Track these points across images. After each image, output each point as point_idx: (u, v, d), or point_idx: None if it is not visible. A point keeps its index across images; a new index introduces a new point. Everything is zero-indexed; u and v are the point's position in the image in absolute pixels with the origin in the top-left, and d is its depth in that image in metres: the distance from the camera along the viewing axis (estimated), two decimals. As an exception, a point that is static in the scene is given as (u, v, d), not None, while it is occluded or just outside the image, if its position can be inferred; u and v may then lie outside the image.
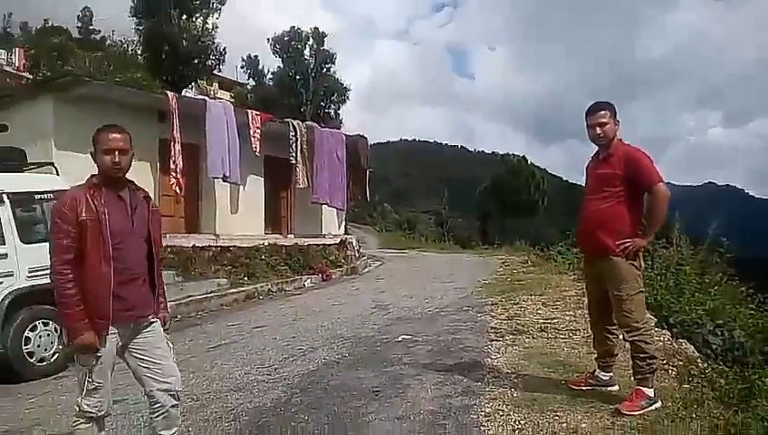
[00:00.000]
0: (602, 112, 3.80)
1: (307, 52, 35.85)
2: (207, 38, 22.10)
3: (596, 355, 4.19)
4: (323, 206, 15.48)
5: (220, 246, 12.54)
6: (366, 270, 15.41)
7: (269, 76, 37.08)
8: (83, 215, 2.95)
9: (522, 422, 3.64)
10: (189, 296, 10.47)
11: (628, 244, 3.68)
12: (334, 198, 15.16)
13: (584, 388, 4.11)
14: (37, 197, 6.58)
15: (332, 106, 36.43)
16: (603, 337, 4.06)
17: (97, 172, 3.11)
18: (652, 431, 3.32)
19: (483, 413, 3.85)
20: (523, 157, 47.26)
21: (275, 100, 32.51)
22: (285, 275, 12.74)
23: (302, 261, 13.58)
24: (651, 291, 6.64)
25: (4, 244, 6.11)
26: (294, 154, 14.16)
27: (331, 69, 36.33)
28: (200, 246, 12.19)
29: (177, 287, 10.72)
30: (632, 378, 3.81)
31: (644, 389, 3.66)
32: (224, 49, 23.29)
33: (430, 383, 4.59)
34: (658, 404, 3.63)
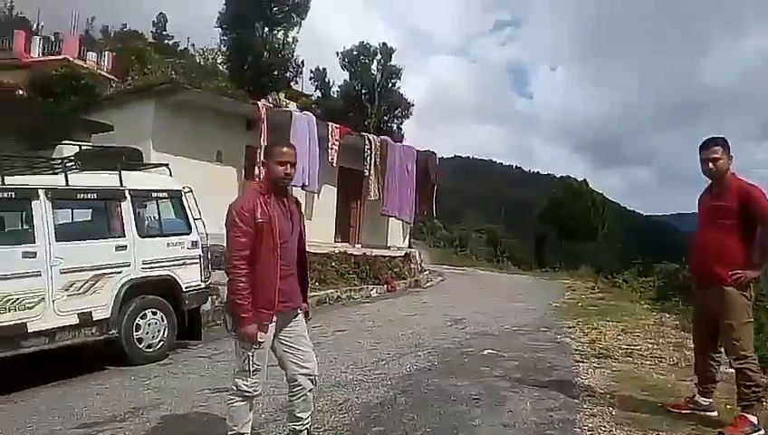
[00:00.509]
0: (716, 148, 3.99)
1: (374, 66, 36.56)
2: (287, 51, 23.05)
3: (697, 381, 4.33)
4: (390, 218, 15.85)
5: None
6: (428, 284, 15.65)
7: (335, 89, 37.98)
8: (259, 217, 3.35)
9: (627, 440, 3.82)
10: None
11: (740, 275, 3.84)
12: (403, 212, 15.52)
13: (684, 411, 4.25)
14: (154, 195, 7.14)
15: (396, 121, 36.95)
16: (707, 364, 4.21)
17: (266, 180, 3.53)
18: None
19: (586, 428, 4.06)
20: (584, 180, 46.61)
21: (340, 112, 33.30)
22: (353, 283, 13.12)
23: (369, 271, 13.92)
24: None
25: (125, 236, 6.66)
26: (368, 167, 14.63)
27: (396, 84, 36.92)
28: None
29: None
30: (737, 405, 3.94)
31: (748, 416, 3.79)
32: (302, 62, 24.30)
33: (527, 396, 4.81)
34: (762, 432, 3.75)
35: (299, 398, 3.54)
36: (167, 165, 7.62)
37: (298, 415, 3.57)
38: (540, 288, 15.44)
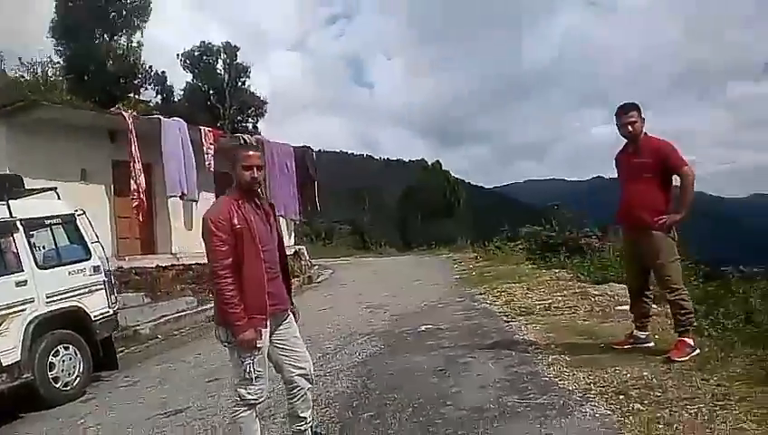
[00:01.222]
0: (633, 113, 4.55)
1: (220, 66, 35.33)
2: (133, 56, 21.37)
3: (633, 318, 4.92)
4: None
5: (183, 265, 12.40)
6: (321, 279, 15.70)
7: (178, 91, 36.09)
8: (237, 224, 3.24)
9: (591, 378, 4.25)
10: (163, 316, 10.39)
11: (664, 219, 4.43)
12: (288, 210, 15.35)
13: (626, 347, 4.81)
14: (47, 222, 6.49)
15: (250, 120, 36.08)
16: (641, 301, 4.80)
17: (236, 187, 3.40)
18: (705, 369, 4.05)
19: (551, 375, 4.44)
20: (437, 161, 49.01)
21: (186, 115, 31.74)
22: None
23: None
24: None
25: (23, 270, 5.99)
26: (246, 168, 14.22)
27: (246, 82, 36.01)
28: (163, 265, 12.04)
29: (150, 308, 10.60)
30: (674, 331, 4.55)
31: (686, 339, 4.41)
32: (149, 67, 22.64)
33: (485, 359, 5.13)
34: (698, 351, 4.38)
35: (298, 398, 3.52)
36: (54, 189, 6.95)
37: (301, 415, 3.56)
38: (428, 265, 16.15)
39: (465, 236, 29.00)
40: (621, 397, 3.80)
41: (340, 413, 4.25)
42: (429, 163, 49.97)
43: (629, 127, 4.56)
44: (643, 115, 4.60)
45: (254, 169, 3.34)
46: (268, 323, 3.34)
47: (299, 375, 3.51)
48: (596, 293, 7.51)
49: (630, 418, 3.46)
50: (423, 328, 6.82)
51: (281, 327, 3.49)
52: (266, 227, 3.43)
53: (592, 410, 3.67)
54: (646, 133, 4.61)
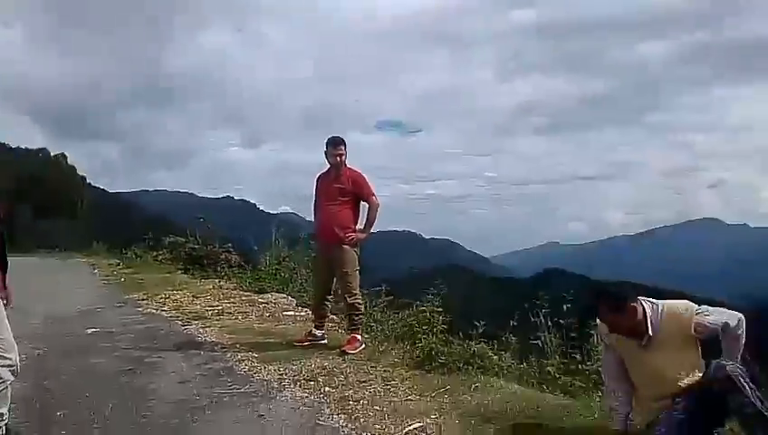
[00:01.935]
0: (341, 147, 5.38)
1: None
2: None
3: (314, 318, 5.67)
4: None
5: None
6: None
7: None
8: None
9: (282, 370, 4.80)
10: None
11: (352, 236, 5.33)
12: None
13: (305, 344, 5.52)
14: None
15: None
16: (322, 304, 5.59)
17: None
18: (373, 359, 5.03)
19: (245, 369, 4.84)
20: (63, 154, 43.53)
21: None
22: None
23: None
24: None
25: None
26: None
27: None
28: None
29: None
30: (347, 329, 5.46)
31: (357, 335, 5.34)
32: None
33: (175, 359, 5.18)
34: (364, 345, 5.37)
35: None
36: None
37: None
38: (62, 269, 14.40)
39: (85, 239, 26.50)
40: (312, 383, 4.46)
41: (27, 413, 3.79)
42: (52, 155, 43.97)
43: (338, 157, 5.37)
44: (347, 149, 5.46)
45: None
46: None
47: (3, 366, 3.11)
48: (262, 301, 8.13)
49: (324, 398, 4.12)
50: (90, 331, 6.32)
51: (-17, 311, 3.05)
52: None
53: (291, 394, 4.23)
54: (346, 164, 5.48)
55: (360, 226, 5.46)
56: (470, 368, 4.59)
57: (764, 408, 2.75)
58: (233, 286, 9.62)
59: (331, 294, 5.62)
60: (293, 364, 4.92)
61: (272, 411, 3.87)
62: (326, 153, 5.43)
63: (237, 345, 5.61)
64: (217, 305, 7.88)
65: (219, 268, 11.52)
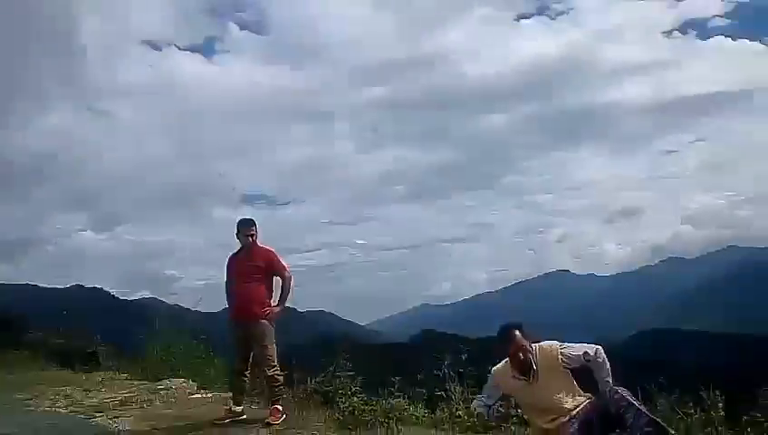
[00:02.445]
0: (252, 227, 5.77)
1: None
2: None
3: (233, 395, 5.85)
4: None
5: None
6: None
7: None
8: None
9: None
10: None
11: (269, 311, 5.68)
12: None
13: (226, 421, 5.68)
14: None
15: None
16: (242, 381, 5.81)
17: None
18: (299, 425, 5.32)
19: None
20: None
21: None
22: None
23: None
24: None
25: None
26: None
27: None
28: None
29: None
30: (269, 400, 5.70)
31: (278, 406, 5.61)
32: None
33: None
34: (285, 414, 5.63)
35: None
36: None
37: None
38: None
39: None
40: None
41: None
42: None
43: (250, 238, 5.75)
44: (258, 229, 5.86)
45: None
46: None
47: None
48: (161, 387, 7.97)
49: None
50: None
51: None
52: None
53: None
54: (256, 242, 5.87)
55: (274, 301, 5.82)
56: (390, 421, 5.07)
57: (653, 416, 3.72)
58: (125, 377, 9.27)
59: (248, 370, 5.86)
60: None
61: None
62: (237, 235, 5.80)
63: (156, 431, 5.61)
64: (117, 396, 7.61)
65: (100, 360, 10.99)
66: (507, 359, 4.02)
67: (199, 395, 7.36)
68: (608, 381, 3.87)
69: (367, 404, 5.33)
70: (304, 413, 5.73)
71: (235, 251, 5.94)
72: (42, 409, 7.27)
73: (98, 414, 6.63)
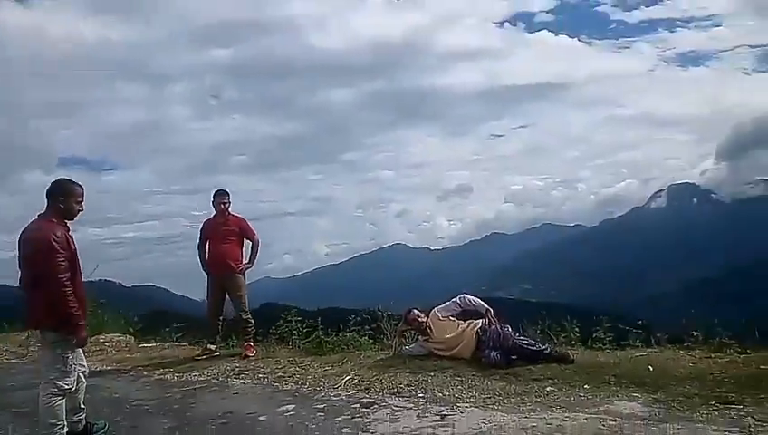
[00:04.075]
0: (226, 197, 6.99)
1: None
2: None
3: (209, 335, 7.08)
4: None
5: None
6: None
7: None
8: (72, 246, 4.01)
9: (209, 373, 6.23)
10: None
11: (242, 267, 6.97)
12: None
13: (204, 356, 6.93)
14: None
15: None
16: (216, 323, 7.05)
17: (60, 216, 4.08)
18: (272, 356, 6.74)
19: (176, 378, 6.13)
20: None
21: None
22: None
23: None
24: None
25: None
26: None
27: None
28: None
29: None
30: (241, 338, 7.02)
31: (250, 344, 6.96)
32: None
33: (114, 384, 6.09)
34: (256, 351, 6.98)
35: (81, 391, 4.24)
36: None
37: (82, 405, 4.25)
38: None
39: None
40: (247, 373, 6.07)
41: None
42: None
43: (222, 205, 6.96)
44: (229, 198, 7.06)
45: (82, 203, 4.13)
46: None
47: (81, 372, 4.23)
48: (103, 340, 8.70)
49: (264, 379, 5.81)
50: None
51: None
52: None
53: (237, 382, 5.80)
54: (229, 210, 7.07)
55: (245, 259, 7.11)
56: (347, 347, 6.74)
57: (539, 346, 5.69)
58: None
59: (221, 315, 7.11)
60: (216, 369, 6.37)
61: (239, 389, 5.48)
62: (213, 202, 6.99)
63: (143, 369, 6.67)
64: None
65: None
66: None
67: (149, 345, 8.34)
68: (484, 306, 6.16)
69: (328, 336, 6.94)
70: (273, 348, 7.14)
71: (211, 217, 7.10)
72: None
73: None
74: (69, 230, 4.08)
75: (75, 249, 4.06)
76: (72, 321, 3.90)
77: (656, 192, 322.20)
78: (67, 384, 3.96)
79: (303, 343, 7.09)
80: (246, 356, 6.78)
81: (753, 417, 3.98)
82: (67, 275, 3.88)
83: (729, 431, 3.77)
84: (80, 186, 4.21)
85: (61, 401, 3.96)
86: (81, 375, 4.23)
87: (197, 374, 6.21)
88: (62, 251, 3.88)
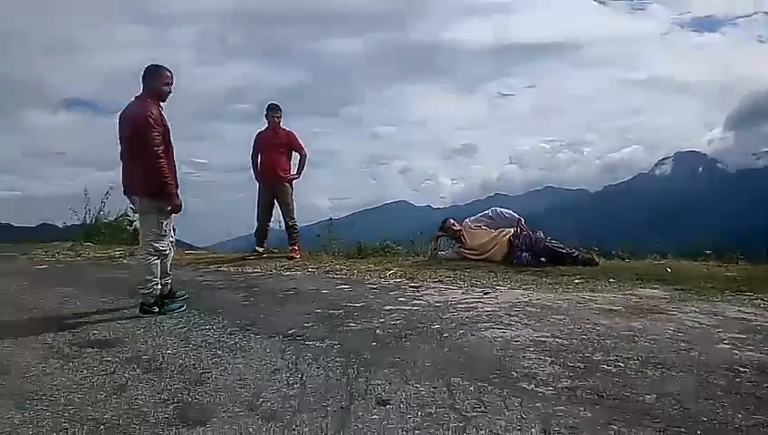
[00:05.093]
0: (278, 111, 7.46)
1: None
2: None
3: (258, 239, 7.65)
4: None
5: None
6: None
7: None
8: (165, 122, 4.50)
9: (266, 266, 6.82)
10: None
11: (290, 176, 7.50)
12: None
13: (253, 256, 7.54)
14: None
15: None
16: (266, 227, 7.62)
17: (155, 96, 4.55)
18: (316, 259, 7.34)
19: (248, 271, 6.73)
20: None
21: None
22: None
23: None
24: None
25: None
26: None
27: None
28: None
29: None
30: (288, 243, 7.60)
31: (296, 247, 7.55)
32: None
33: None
34: (300, 255, 7.57)
35: (170, 257, 4.80)
36: None
37: (168, 272, 4.81)
38: None
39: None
40: (298, 267, 6.64)
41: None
42: None
43: (275, 119, 7.44)
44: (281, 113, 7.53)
45: (171, 85, 4.60)
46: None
47: (171, 242, 4.78)
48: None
49: (320, 272, 6.40)
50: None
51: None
52: None
53: (292, 274, 6.39)
54: (280, 125, 7.55)
55: (293, 170, 7.63)
56: (386, 254, 7.35)
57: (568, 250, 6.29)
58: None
59: (270, 220, 7.68)
60: (267, 266, 6.98)
61: (295, 277, 6.08)
62: (266, 116, 7.47)
63: (198, 264, 7.28)
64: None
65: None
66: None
67: (191, 251, 8.94)
68: (515, 217, 6.83)
69: (366, 246, 7.57)
70: (317, 254, 7.75)
71: (263, 129, 7.59)
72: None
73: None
74: (162, 109, 4.57)
75: (168, 126, 4.55)
76: (165, 189, 4.42)
77: (661, 159, 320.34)
78: (162, 246, 4.53)
79: (343, 251, 7.71)
80: (292, 258, 7.38)
81: (763, 299, 4.58)
82: (162, 148, 4.38)
83: (742, 308, 4.36)
84: (168, 69, 4.67)
85: (156, 261, 4.53)
86: (172, 246, 4.79)
87: (251, 269, 6.81)
88: (156, 127, 4.37)
